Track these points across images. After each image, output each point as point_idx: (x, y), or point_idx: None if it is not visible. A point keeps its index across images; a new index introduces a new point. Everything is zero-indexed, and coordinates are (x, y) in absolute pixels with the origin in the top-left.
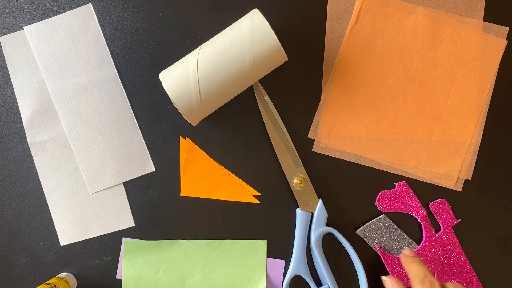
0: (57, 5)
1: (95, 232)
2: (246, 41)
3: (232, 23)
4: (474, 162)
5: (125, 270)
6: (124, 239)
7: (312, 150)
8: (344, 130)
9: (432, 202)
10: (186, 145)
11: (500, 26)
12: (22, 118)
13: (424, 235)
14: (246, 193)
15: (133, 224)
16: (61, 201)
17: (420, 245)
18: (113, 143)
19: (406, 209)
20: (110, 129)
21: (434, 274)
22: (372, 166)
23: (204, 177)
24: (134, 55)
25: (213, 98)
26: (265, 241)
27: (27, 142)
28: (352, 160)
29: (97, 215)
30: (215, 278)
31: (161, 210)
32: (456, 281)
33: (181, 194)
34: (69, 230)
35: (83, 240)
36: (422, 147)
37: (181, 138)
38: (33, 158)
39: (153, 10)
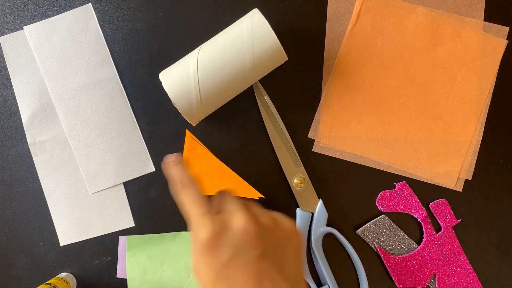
0: (57, 5)
1: (95, 232)
2: (246, 41)
3: (232, 23)
4: (475, 162)
5: (129, 265)
6: (121, 237)
7: (312, 150)
8: (344, 130)
9: (433, 202)
10: (188, 143)
11: (501, 26)
12: (22, 118)
13: (424, 235)
14: (250, 188)
15: (133, 224)
16: (61, 201)
17: (421, 245)
18: (113, 143)
19: (406, 209)
20: (110, 129)
21: (434, 274)
22: (372, 166)
23: (206, 174)
24: (134, 55)
25: (213, 98)
26: None
27: (27, 142)
28: (352, 160)
29: (97, 215)
30: None
31: (161, 210)
32: (456, 281)
33: None
34: (69, 230)
35: (83, 240)
36: (422, 147)
37: (187, 130)
38: (33, 158)
39: (153, 10)
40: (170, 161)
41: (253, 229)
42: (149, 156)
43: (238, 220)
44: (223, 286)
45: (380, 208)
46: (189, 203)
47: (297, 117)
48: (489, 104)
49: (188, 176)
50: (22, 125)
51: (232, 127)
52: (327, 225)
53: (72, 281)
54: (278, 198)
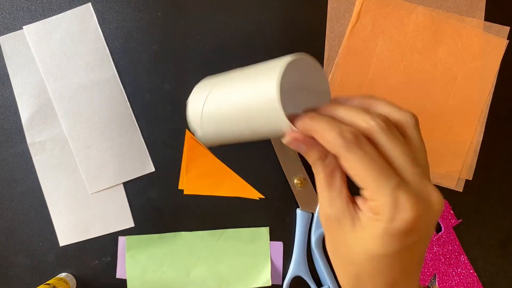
0: (56, 4)
1: (94, 232)
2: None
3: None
4: (475, 162)
5: (129, 265)
6: (121, 238)
7: None
8: None
9: None
10: (187, 143)
11: (501, 25)
12: (22, 118)
13: None
14: (250, 189)
15: (132, 225)
16: (61, 202)
17: None
18: (113, 143)
19: None
20: (110, 129)
21: (435, 274)
22: None
23: (207, 174)
24: (133, 55)
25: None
26: (268, 227)
27: (26, 142)
28: None
29: (97, 215)
30: (220, 267)
31: (160, 211)
32: (457, 281)
33: (185, 192)
34: (68, 231)
35: (83, 241)
36: None
37: (187, 130)
38: (33, 158)
39: (152, 9)
40: (311, 114)
41: (441, 212)
42: (149, 156)
43: (434, 200)
44: (396, 266)
45: None
46: (370, 168)
47: None
48: (489, 104)
49: (354, 129)
50: (21, 125)
51: None
52: None
53: (72, 282)
54: (278, 198)
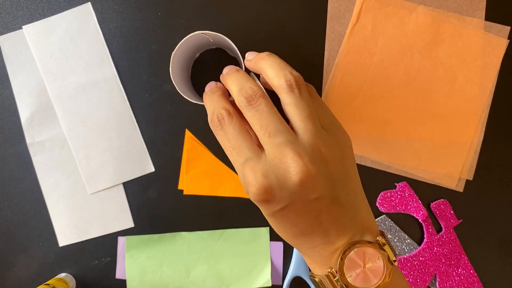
0: (56, 4)
1: (94, 232)
2: None
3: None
4: (476, 162)
5: (129, 265)
6: (120, 238)
7: None
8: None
9: (434, 203)
10: (187, 143)
11: (502, 25)
12: (21, 118)
13: (425, 236)
14: None
15: (132, 225)
16: (60, 202)
17: (422, 245)
18: (112, 143)
19: (407, 209)
20: (109, 129)
21: (435, 275)
22: (373, 166)
23: (207, 174)
24: (133, 54)
25: None
26: (268, 228)
27: (25, 142)
28: None
29: (96, 215)
30: (219, 268)
31: (160, 211)
32: (457, 282)
33: (185, 192)
34: (68, 231)
35: (82, 241)
36: (423, 147)
37: (187, 130)
38: (32, 158)
39: (152, 9)
40: (208, 90)
41: (312, 178)
42: (149, 156)
43: (293, 170)
44: (279, 227)
45: (381, 209)
46: (226, 148)
47: None
48: (490, 104)
49: (226, 109)
50: (21, 125)
51: None
52: None
53: (71, 282)
54: None
